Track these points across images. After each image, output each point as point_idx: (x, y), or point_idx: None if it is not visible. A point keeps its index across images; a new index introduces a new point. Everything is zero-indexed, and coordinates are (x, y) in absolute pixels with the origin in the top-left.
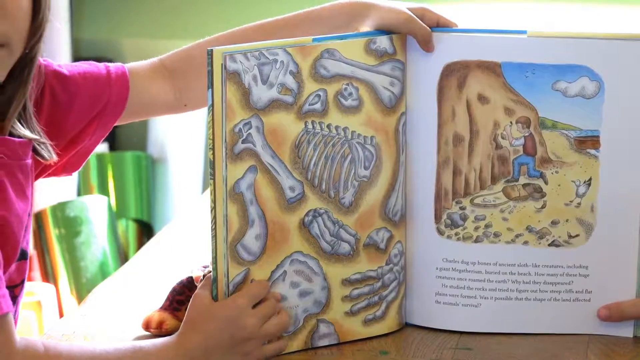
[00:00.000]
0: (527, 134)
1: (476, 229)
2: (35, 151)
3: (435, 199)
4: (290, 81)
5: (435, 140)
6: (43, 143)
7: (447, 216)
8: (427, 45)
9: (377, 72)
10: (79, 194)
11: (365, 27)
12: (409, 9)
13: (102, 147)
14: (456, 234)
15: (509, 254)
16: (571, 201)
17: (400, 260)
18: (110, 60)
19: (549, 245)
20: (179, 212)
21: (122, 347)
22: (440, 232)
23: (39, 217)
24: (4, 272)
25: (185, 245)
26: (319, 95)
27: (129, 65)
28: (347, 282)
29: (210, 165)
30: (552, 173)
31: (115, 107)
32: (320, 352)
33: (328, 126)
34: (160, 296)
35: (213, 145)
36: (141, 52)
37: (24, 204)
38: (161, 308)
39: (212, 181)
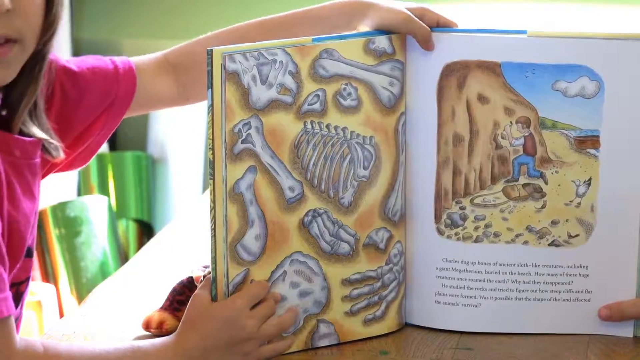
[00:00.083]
0: (527, 134)
1: (476, 229)
2: (43, 149)
3: (435, 199)
4: (289, 81)
5: (435, 140)
6: (52, 144)
7: (447, 216)
8: (427, 45)
9: (376, 72)
10: (79, 194)
11: (365, 27)
12: (409, 9)
13: (102, 147)
14: (456, 234)
15: (509, 254)
16: (571, 201)
17: (400, 260)
18: None
19: (549, 245)
20: (179, 212)
21: (121, 347)
22: (440, 232)
23: (39, 217)
24: (11, 271)
25: (186, 245)
26: (318, 95)
27: (134, 60)
28: (346, 282)
29: (210, 166)
30: (552, 173)
31: (122, 102)
32: (320, 352)
33: (327, 126)
34: (161, 296)
35: (213, 146)
36: (141, 52)
37: (31, 202)
38: (161, 308)
39: (211, 181)
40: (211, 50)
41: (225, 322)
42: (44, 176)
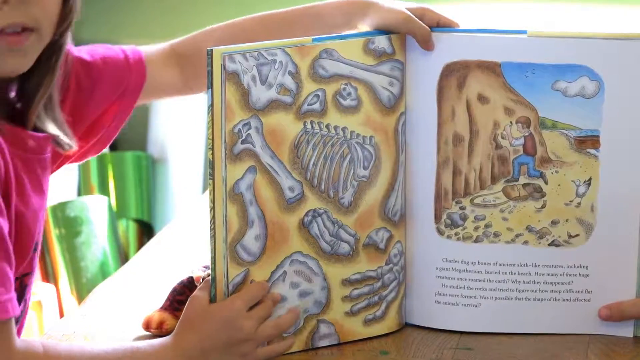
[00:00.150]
0: (527, 134)
1: (476, 228)
2: (55, 142)
3: (435, 199)
4: (289, 81)
5: (435, 140)
6: (63, 140)
7: (447, 216)
8: (426, 44)
9: (375, 72)
10: (79, 194)
11: (365, 27)
12: (409, 9)
13: None
14: (456, 234)
15: (509, 254)
16: (571, 201)
17: (400, 260)
18: None
19: (549, 245)
20: (179, 212)
21: (120, 348)
22: (440, 232)
23: None
24: (18, 268)
25: (186, 245)
26: (317, 96)
27: (142, 50)
28: (347, 282)
29: (210, 166)
30: (552, 173)
31: (133, 92)
32: (320, 353)
33: (327, 126)
34: (161, 296)
35: (212, 146)
36: None
37: (40, 198)
38: (161, 308)
39: (211, 181)
40: (211, 50)
41: (224, 322)
42: (57, 168)
